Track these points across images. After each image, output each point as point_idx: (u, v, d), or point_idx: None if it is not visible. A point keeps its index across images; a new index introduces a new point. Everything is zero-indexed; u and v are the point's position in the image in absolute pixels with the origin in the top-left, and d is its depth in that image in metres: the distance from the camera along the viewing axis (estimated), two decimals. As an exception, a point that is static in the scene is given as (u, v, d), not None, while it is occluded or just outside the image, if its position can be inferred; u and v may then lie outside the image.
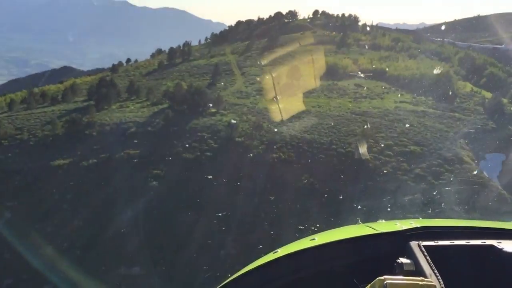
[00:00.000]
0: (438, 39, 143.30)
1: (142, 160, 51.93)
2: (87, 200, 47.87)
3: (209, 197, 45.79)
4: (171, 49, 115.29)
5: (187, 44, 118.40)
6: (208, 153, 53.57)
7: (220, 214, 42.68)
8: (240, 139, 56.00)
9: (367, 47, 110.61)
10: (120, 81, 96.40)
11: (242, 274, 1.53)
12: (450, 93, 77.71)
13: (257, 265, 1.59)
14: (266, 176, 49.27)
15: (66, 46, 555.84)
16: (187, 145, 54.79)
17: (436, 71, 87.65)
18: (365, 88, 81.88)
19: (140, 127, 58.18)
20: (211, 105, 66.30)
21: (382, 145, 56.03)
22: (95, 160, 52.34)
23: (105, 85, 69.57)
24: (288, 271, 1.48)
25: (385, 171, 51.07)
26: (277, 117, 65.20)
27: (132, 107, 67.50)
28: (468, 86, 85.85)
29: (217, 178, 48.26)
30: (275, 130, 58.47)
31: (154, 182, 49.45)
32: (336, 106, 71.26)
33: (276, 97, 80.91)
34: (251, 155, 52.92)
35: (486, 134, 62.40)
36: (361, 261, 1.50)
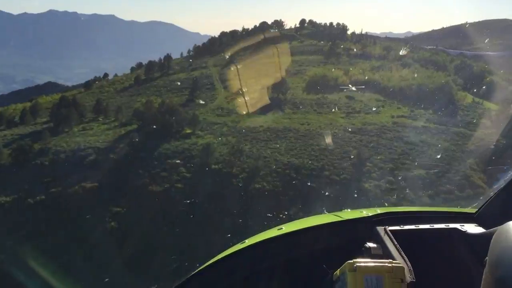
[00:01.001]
0: (429, 46, 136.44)
1: (100, 195, 42.99)
2: (29, 248, 38.75)
3: (177, 245, 37.00)
4: (149, 63, 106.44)
5: (167, 57, 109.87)
6: (179, 185, 44.79)
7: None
8: (217, 166, 47.30)
9: (357, 57, 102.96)
10: (91, 98, 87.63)
11: (208, 265, 1.45)
12: (451, 105, 69.85)
13: (224, 255, 1.52)
14: (246, 214, 40.58)
15: (53, 61, 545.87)
16: (155, 175, 46.05)
17: (433, 81, 79.99)
18: (358, 101, 73.80)
19: (100, 154, 49.28)
20: (185, 125, 57.69)
21: (382, 170, 47.69)
22: (43, 197, 43.30)
23: (66, 105, 60.48)
24: (256, 260, 1.45)
25: (386, 203, 42.54)
26: (260, 137, 56.79)
27: (97, 129, 58.62)
28: (469, 97, 78.03)
29: (188, 218, 39.54)
30: (258, 153, 49.90)
31: (113, 223, 40.55)
32: (327, 123, 62.90)
33: (257, 111, 72.63)
34: (230, 186, 44.25)
35: (498, 151, 54.23)
36: (329, 248, 1.48)
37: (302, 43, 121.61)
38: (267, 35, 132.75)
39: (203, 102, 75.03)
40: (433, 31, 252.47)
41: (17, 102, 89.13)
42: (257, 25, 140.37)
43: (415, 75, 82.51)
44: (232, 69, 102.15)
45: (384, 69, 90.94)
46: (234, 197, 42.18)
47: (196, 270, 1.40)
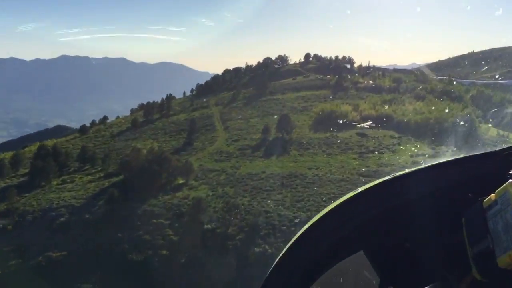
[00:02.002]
0: (440, 77, 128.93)
1: (68, 267, 34.98)
2: None
3: None
4: (148, 104, 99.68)
5: (168, 97, 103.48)
6: (164, 251, 36.78)
7: None
8: (210, 226, 39.23)
9: (366, 90, 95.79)
10: (86, 144, 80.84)
11: (328, 212, 1.27)
12: (475, 140, 61.62)
13: (342, 200, 1.30)
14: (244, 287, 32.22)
15: (66, 105, 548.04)
16: (136, 240, 38.08)
17: (452, 113, 72.16)
18: (371, 139, 65.95)
19: (74, 214, 41.58)
20: (177, 175, 50.07)
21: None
22: None
23: (45, 155, 53.19)
24: (394, 194, 1.28)
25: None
26: (262, 186, 48.86)
27: (78, 182, 51.16)
28: (493, 130, 69.71)
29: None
30: (259, 207, 41.86)
31: (80, 306, 32.42)
32: (338, 166, 54.84)
33: (259, 154, 64.85)
34: (225, 251, 36.07)
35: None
36: (453, 186, 1.30)
37: (308, 78, 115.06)
38: (271, 71, 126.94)
39: (202, 144, 67.64)
40: (440, 61, 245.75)
41: (24, 147, 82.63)
42: (261, 61, 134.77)
43: (433, 108, 74.68)
44: (233, 108, 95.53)
45: (396, 103, 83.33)
46: (229, 267, 33.92)
47: (314, 220, 1.21)
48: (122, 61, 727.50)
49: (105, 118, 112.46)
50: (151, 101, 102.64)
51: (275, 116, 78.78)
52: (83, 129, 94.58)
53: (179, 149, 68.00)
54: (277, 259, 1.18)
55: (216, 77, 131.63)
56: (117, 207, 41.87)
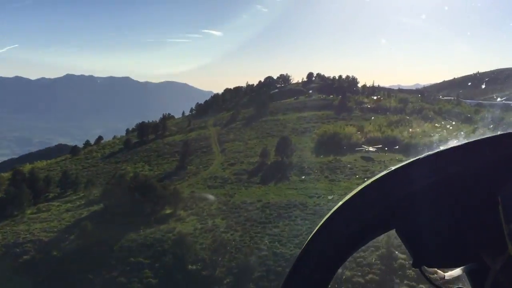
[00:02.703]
0: (446, 98, 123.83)
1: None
2: None
3: None
4: (143, 124, 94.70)
5: (164, 117, 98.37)
6: (139, 299, 31.35)
7: None
8: (195, 267, 33.85)
9: (371, 111, 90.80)
10: (75, 166, 75.92)
11: (367, 185, 1.24)
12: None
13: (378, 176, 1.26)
14: None
15: (70, 123, 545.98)
16: (109, 282, 32.71)
17: (463, 135, 66.96)
18: (377, 163, 60.68)
19: (41, 251, 36.31)
20: (165, 204, 44.88)
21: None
22: None
23: (20, 181, 48.07)
24: (427, 173, 1.21)
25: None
26: (257, 217, 43.57)
27: (55, 210, 46.05)
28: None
29: None
30: (251, 244, 36.52)
31: None
32: (341, 194, 49.46)
33: (257, 179, 59.54)
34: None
35: None
36: (498, 161, 1.23)
37: (310, 98, 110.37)
38: (272, 91, 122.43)
39: (196, 168, 62.50)
40: (444, 82, 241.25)
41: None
42: (262, 80, 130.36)
43: (444, 131, 69.46)
44: (231, 129, 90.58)
45: (403, 124, 78.22)
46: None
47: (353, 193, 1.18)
48: (127, 80, 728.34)
49: (100, 138, 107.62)
50: (147, 121, 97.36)
51: (275, 138, 73.94)
52: (74, 150, 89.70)
53: (171, 173, 62.90)
54: (312, 234, 1.18)
55: (216, 97, 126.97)
56: (90, 243, 36.57)
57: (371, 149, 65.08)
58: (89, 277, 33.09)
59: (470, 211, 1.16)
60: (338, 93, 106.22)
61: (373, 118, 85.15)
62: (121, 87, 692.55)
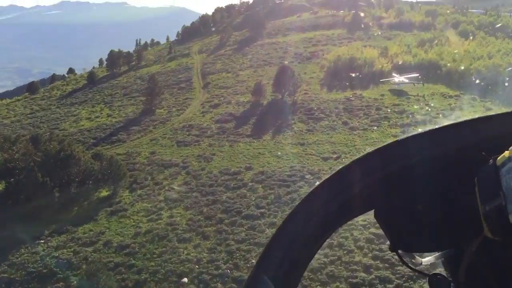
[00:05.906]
0: (475, 10, 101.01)
1: None
2: None
3: None
4: (111, 54, 74.61)
5: (139, 45, 78.55)
6: None
7: None
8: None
9: (393, 27, 70.33)
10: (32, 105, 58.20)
11: (371, 152, 1.20)
12: None
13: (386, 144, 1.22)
14: None
15: (68, 52, 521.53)
16: None
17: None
18: (413, 99, 42.63)
19: None
20: (102, 182, 27.88)
21: None
22: None
23: None
24: (405, 154, 1.21)
25: None
26: (244, 203, 26.62)
27: None
28: None
29: None
30: (227, 260, 19.88)
31: None
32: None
33: (247, 129, 41.72)
34: None
35: None
36: (476, 143, 1.22)
37: (316, 15, 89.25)
38: (268, 9, 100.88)
39: (167, 112, 44.72)
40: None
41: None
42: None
43: (499, 49, 50.38)
44: (219, 56, 70.97)
45: (439, 44, 58.65)
46: None
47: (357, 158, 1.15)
48: (123, 6, 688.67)
49: (72, 70, 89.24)
50: (119, 50, 77.39)
51: (273, 67, 55.16)
52: (31, 87, 71.49)
53: (132, 120, 45.22)
54: (288, 214, 1.14)
55: (204, 17, 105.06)
56: None
57: (402, 78, 46.66)
58: None
59: (449, 194, 1.13)
60: (350, 8, 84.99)
61: (396, 36, 65.40)
62: (117, 13, 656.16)
